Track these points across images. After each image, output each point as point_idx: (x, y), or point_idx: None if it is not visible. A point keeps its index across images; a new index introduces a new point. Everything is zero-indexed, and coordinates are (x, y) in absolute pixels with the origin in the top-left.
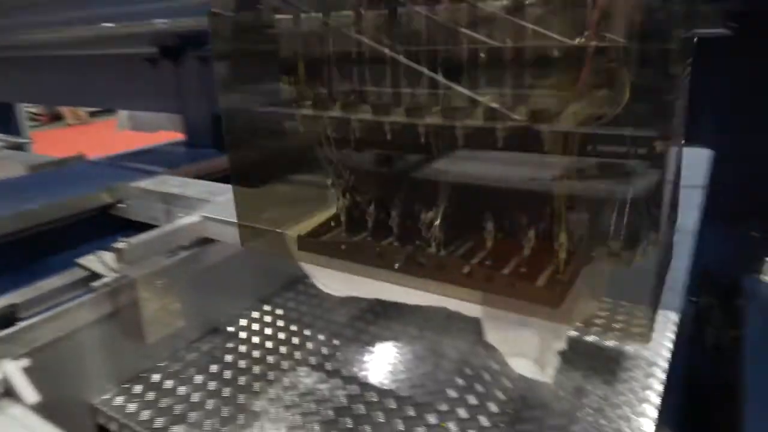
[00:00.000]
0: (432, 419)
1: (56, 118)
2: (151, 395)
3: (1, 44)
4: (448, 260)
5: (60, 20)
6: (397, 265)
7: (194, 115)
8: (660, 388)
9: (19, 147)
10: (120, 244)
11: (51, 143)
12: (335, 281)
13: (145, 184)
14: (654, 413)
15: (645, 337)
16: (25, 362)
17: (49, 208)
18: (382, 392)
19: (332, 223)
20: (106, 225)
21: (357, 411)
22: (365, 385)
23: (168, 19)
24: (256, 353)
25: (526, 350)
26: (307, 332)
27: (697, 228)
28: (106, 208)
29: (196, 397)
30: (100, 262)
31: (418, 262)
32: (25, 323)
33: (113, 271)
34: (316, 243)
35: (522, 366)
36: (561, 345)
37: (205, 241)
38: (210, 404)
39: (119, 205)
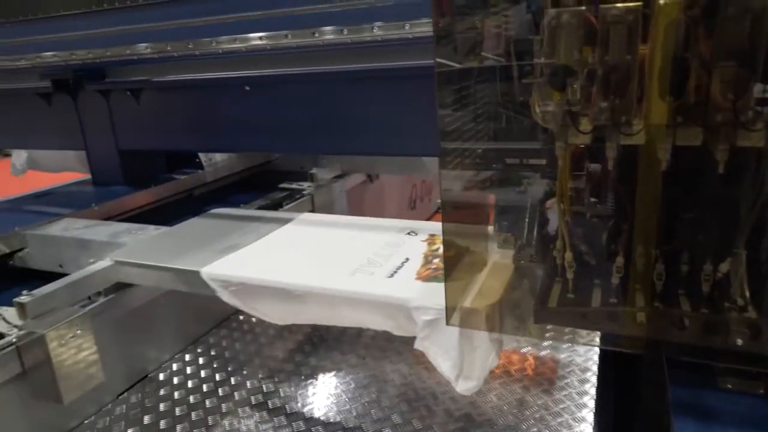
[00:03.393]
0: None
1: None
2: None
3: None
4: None
5: None
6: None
7: (99, 152)
8: (595, 392)
9: None
10: (22, 298)
11: None
12: (268, 309)
13: (47, 229)
14: (592, 417)
15: None
16: None
17: None
18: (328, 425)
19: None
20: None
21: None
22: (310, 420)
23: (61, 51)
24: (192, 398)
25: (454, 359)
26: (245, 371)
27: None
28: (3, 258)
29: None
30: (2, 318)
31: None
32: None
33: (16, 328)
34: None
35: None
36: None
37: (121, 286)
38: None
39: (18, 254)
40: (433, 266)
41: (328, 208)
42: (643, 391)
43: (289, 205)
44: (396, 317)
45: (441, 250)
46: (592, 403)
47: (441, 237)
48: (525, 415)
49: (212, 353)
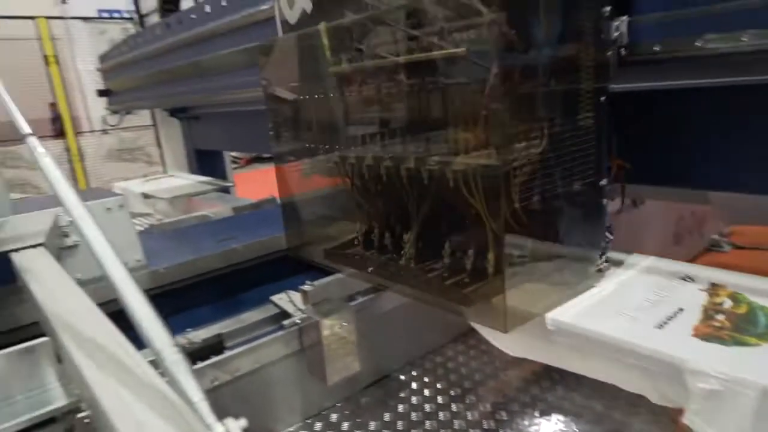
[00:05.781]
0: None
1: (253, 160)
2: None
3: (211, 102)
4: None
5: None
6: (370, 269)
7: None
8: None
9: (224, 190)
10: (306, 287)
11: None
12: (509, 340)
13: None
14: None
15: None
16: (243, 423)
17: (247, 247)
18: None
19: (355, 242)
20: (296, 264)
21: None
22: None
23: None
24: (427, 407)
25: None
26: (479, 391)
27: None
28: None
29: None
30: (290, 301)
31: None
32: (230, 353)
33: (300, 311)
34: (333, 254)
35: None
36: None
37: (379, 288)
38: None
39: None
40: (716, 323)
41: None
42: None
43: None
44: (660, 378)
45: (727, 305)
46: None
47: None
48: None
49: (449, 366)
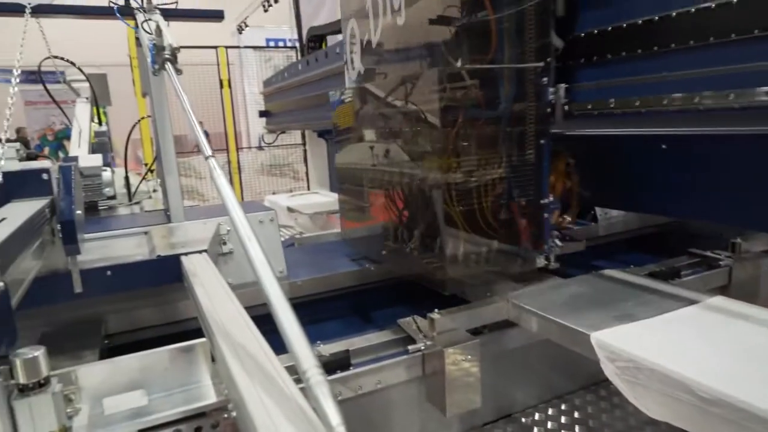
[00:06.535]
0: None
1: None
2: None
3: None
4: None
5: None
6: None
7: None
8: None
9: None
10: (434, 314)
11: None
12: (650, 400)
13: None
14: None
15: None
16: None
17: (379, 269)
18: None
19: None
20: (425, 290)
21: None
22: None
23: None
24: None
25: None
26: None
27: None
28: None
29: None
30: (416, 326)
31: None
32: (355, 370)
33: (425, 338)
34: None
35: None
36: None
37: (503, 325)
38: None
39: None
40: None
41: (751, 289)
42: None
43: (698, 275)
44: None
45: None
46: None
47: None
48: None
49: (576, 416)
